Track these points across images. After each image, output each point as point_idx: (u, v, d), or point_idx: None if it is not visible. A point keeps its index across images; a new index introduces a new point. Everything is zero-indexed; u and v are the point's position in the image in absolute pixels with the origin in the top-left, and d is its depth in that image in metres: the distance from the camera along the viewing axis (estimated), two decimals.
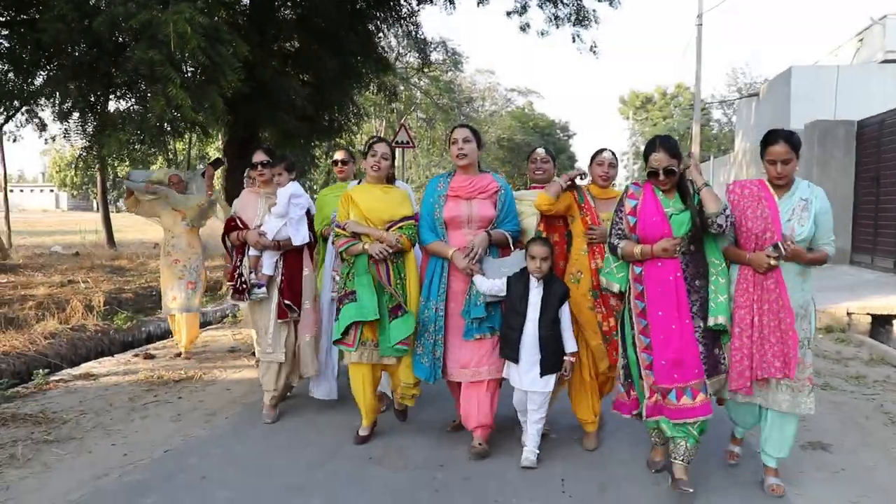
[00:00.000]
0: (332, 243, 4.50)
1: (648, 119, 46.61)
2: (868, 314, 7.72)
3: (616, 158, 4.43)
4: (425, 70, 12.64)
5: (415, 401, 4.49)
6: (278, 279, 4.76)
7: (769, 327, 3.52)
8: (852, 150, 11.85)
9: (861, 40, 20.40)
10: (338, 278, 4.57)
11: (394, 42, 12.78)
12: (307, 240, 4.77)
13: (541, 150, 4.65)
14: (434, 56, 12.84)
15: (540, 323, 3.95)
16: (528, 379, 3.98)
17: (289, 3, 10.15)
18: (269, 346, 4.76)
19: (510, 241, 4.21)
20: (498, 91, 39.57)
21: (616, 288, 3.93)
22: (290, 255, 4.80)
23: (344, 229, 4.25)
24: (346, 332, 4.21)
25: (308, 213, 4.83)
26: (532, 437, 4.07)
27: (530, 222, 4.37)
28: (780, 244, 3.42)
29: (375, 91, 12.45)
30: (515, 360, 3.99)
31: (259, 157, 4.93)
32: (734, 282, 3.67)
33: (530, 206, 4.37)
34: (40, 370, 5.62)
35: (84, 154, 8.42)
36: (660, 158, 3.63)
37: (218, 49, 6.91)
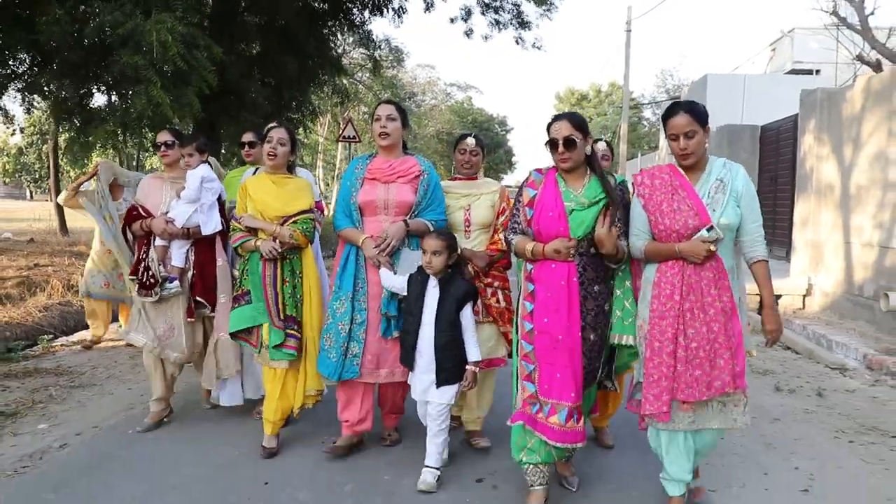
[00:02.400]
0: (229, 236, 4.21)
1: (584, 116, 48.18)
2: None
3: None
4: (376, 73, 13.40)
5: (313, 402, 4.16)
6: (190, 272, 4.40)
7: (712, 335, 3.03)
8: (756, 151, 13.29)
9: (774, 50, 22.22)
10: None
11: (340, 39, 13.60)
12: (219, 227, 4.39)
13: (471, 140, 4.21)
14: (377, 53, 13.70)
15: (436, 327, 3.57)
16: (423, 388, 3.65)
17: (253, 9, 10.94)
18: (187, 346, 4.39)
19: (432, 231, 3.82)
20: (438, 85, 40.56)
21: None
22: (201, 246, 4.41)
23: (239, 223, 4.02)
24: (248, 331, 4.02)
25: (220, 198, 4.45)
26: (432, 456, 3.65)
27: (457, 217, 4.07)
28: (714, 226, 2.99)
29: (330, 93, 13.35)
30: (411, 367, 3.69)
31: (163, 136, 4.58)
32: (652, 284, 3.16)
33: (457, 199, 4.11)
34: (44, 336, 6.42)
35: (71, 143, 9.16)
36: (560, 127, 3.27)
37: (194, 53, 7.73)
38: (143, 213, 4.40)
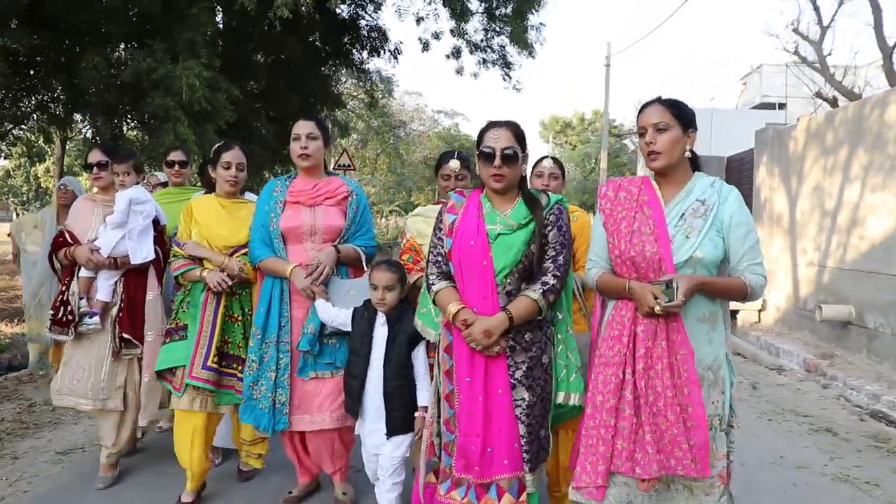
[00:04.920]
0: (170, 263, 3.80)
1: (567, 143, 49.56)
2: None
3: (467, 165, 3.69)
4: (373, 108, 14.49)
5: (263, 462, 3.99)
6: (116, 307, 3.88)
7: (662, 400, 2.40)
8: (699, 163, 14.38)
9: (745, 84, 23.55)
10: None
11: (340, 76, 14.67)
12: (151, 256, 3.87)
13: (454, 163, 3.63)
14: (369, 85, 14.77)
15: (385, 370, 3.16)
16: (373, 440, 3.25)
17: (260, 49, 11.99)
18: (100, 392, 3.86)
19: (363, 258, 3.52)
20: (425, 112, 41.82)
21: (433, 336, 3.04)
22: (132, 277, 3.91)
23: (182, 249, 3.65)
24: (173, 371, 3.60)
25: (156, 223, 3.97)
26: None
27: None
28: (675, 280, 2.34)
29: (330, 126, 14.44)
30: (355, 415, 3.30)
31: (95, 156, 4.02)
32: (604, 324, 2.62)
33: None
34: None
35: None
36: (499, 136, 2.76)
37: (216, 95, 8.76)
38: (71, 240, 3.91)
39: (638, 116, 2.61)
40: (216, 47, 9.96)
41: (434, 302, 2.90)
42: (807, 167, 9.09)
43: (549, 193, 2.93)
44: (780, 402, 6.06)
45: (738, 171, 13.79)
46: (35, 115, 10.32)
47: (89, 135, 9.74)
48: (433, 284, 2.87)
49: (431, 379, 3.12)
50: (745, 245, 2.47)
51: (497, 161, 2.75)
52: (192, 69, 8.16)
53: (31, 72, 9.25)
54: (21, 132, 11.07)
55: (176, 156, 4.74)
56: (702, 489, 2.49)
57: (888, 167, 7.13)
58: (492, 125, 2.83)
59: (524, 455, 2.71)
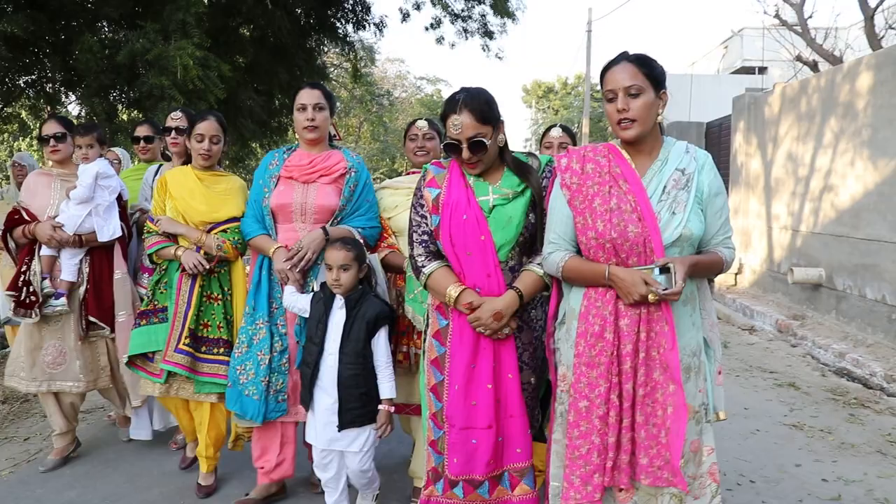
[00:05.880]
0: (143, 241, 3.62)
1: (550, 108, 49.68)
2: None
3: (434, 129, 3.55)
4: (357, 80, 14.65)
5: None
6: (82, 287, 3.74)
7: (651, 401, 2.22)
8: (702, 146, 14.75)
9: (726, 48, 23.78)
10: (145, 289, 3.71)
11: (324, 48, 14.78)
12: (118, 233, 3.74)
13: (422, 123, 3.53)
14: (352, 54, 14.90)
15: (341, 356, 2.94)
16: (325, 434, 3.00)
17: (246, 24, 12.12)
18: (89, 373, 3.80)
19: (361, 241, 3.17)
20: (408, 79, 41.79)
21: (423, 323, 2.83)
22: (98, 256, 3.76)
23: (156, 225, 3.47)
24: (147, 357, 3.46)
25: (120, 198, 3.81)
26: None
27: (405, 219, 3.01)
28: (672, 266, 2.12)
29: None
30: (307, 406, 3.06)
31: (51, 127, 3.78)
32: (577, 317, 2.34)
33: (407, 196, 3.29)
34: None
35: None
36: (461, 124, 2.46)
37: (207, 73, 8.96)
38: (28, 217, 3.71)
39: (603, 78, 2.30)
40: (203, 23, 10.13)
41: (426, 286, 2.65)
42: (781, 134, 9.44)
43: (538, 154, 2.72)
44: (748, 360, 6.52)
45: (718, 137, 14.14)
46: (28, 93, 10.51)
47: (83, 113, 9.92)
48: (423, 267, 2.62)
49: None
50: (722, 217, 2.32)
51: (465, 153, 2.50)
52: (186, 48, 8.35)
53: (26, 52, 9.41)
54: (13, 110, 11.25)
55: (142, 131, 4.44)
56: (692, 492, 2.30)
57: (858, 135, 7.48)
58: (451, 110, 2.50)
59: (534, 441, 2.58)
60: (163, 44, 8.51)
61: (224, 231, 3.41)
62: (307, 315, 3.10)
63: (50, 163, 3.94)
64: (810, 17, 15.61)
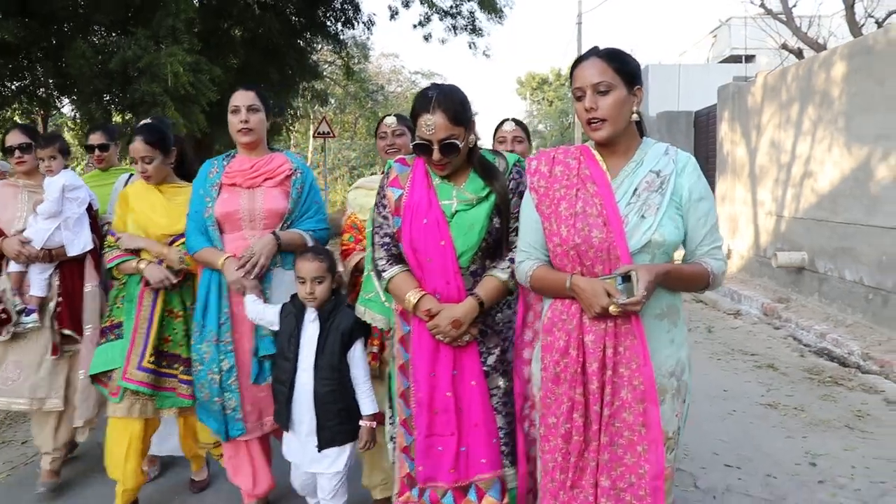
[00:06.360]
0: (103, 255, 3.47)
1: (545, 99, 49.79)
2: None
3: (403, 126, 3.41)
4: (349, 77, 14.84)
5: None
6: (53, 302, 3.60)
7: (619, 422, 2.08)
8: (691, 135, 14.94)
9: (715, 37, 23.94)
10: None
11: (316, 47, 14.96)
12: (90, 246, 3.63)
13: (391, 119, 3.43)
14: (345, 52, 15.06)
15: (316, 372, 2.80)
16: (305, 454, 2.89)
17: (237, 25, 12.31)
18: (40, 390, 3.58)
19: (310, 244, 3.13)
20: (402, 74, 41.88)
21: (382, 324, 2.79)
22: (68, 269, 3.63)
23: (118, 240, 3.36)
24: (108, 374, 3.32)
25: (90, 209, 3.69)
26: None
27: None
28: (634, 273, 1.96)
29: (309, 97, 14.81)
30: (286, 427, 2.92)
31: (14, 138, 3.67)
32: (542, 328, 2.25)
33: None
34: None
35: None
36: (434, 124, 2.34)
37: (199, 77, 9.14)
38: None
39: (571, 75, 2.16)
40: (193, 27, 10.31)
41: (387, 290, 2.58)
42: (764, 122, 9.62)
43: (505, 154, 2.61)
44: (731, 344, 6.74)
45: (706, 126, 14.32)
46: (21, 98, 10.71)
47: (77, 117, 10.15)
48: (384, 271, 2.54)
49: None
50: (707, 225, 2.13)
51: (436, 155, 2.39)
52: (176, 55, 8.56)
53: (18, 57, 9.60)
54: (5, 115, 11.43)
55: (94, 139, 4.18)
56: None
57: (834, 122, 7.66)
58: (423, 108, 2.38)
59: (503, 449, 2.47)
60: (154, 50, 8.72)
61: (184, 243, 3.26)
62: (276, 328, 2.95)
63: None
64: (794, 5, 15.71)
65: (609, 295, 1.98)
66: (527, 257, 2.29)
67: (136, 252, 3.31)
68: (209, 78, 9.30)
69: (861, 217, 7.02)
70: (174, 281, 3.22)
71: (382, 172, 3.27)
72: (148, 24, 8.78)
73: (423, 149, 2.40)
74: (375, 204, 2.64)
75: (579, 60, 2.14)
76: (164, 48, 8.67)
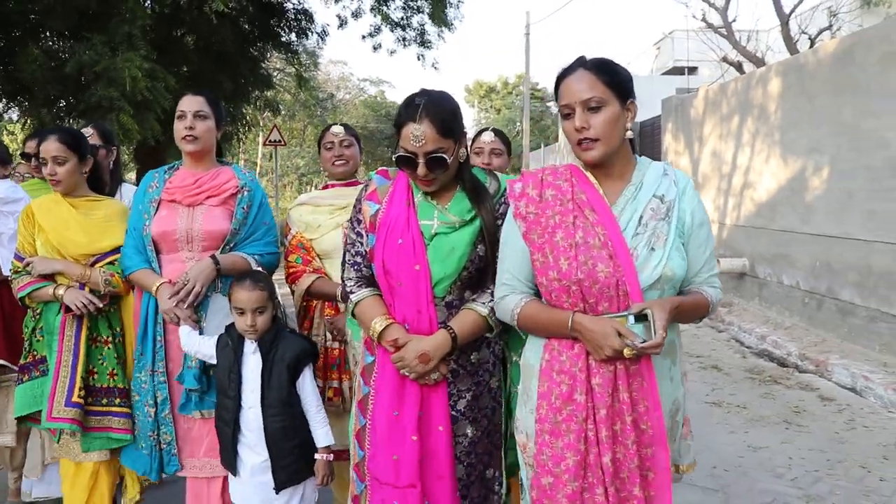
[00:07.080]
0: (11, 282, 2.99)
1: (492, 107, 50.28)
2: None
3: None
4: (302, 87, 14.85)
5: None
6: None
7: (626, 470, 1.84)
8: (636, 145, 15.39)
9: (659, 49, 24.68)
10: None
11: (268, 56, 14.98)
12: None
13: (338, 129, 3.18)
14: (297, 64, 15.10)
15: (264, 408, 2.56)
16: (257, 497, 2.61)
17: (190, 33, 12.28)
18: None
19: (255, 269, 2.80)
20: (351, 81, 41.93)
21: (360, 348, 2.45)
22: (6, 289, 3.18)
23: (27, 266, 2.88)
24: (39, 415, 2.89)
25: None
26: None
27: (331, 241, 3.00)
28: (650, 313, 1.74)
29: (262, 107, 14.82)
30: (233, 471, 2.64)
31: None
32: (537, 374, 1.95)
33: (330, 213, 3.07)
34: None
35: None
36: (424, 135, 2.08)
37: (155, 84, 9.14)
38: None
39: (557, 89, 1.94)
40: (147, 35, 10.29)
41: (353, 315, 2.32)
42: (706, 133, 10.06)
43: (499, 175, 2.35)
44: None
45: (651, 136, 14.79)
46: None
47: (29, 124, 10.01)
48: (351, 293, 2.28)
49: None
50: (707, 252, 1.95)
51: (421, 169, 2.11)
52: (133, 61, 8.55)
53: None
54: None
55: (31, 147, 3.60)
56: None
57: (770, 135, 8.11)
58: (409, 117, 2.11)
59: (463, 501, 2.21)
60: (110, 56, 8.69)
61: (111, 263, 2.89)
62: (213, 361, 2.67)
63: None
64: (734, 20, 16.39)
65: (621, 335, 1.76)
66: (510, 291, 2.02)
67: (50, 277, 2.89)
68: (164, 86, 9.29)
69: (797, 225, 7.44)
70: (100, 305, 2.82)
71: (325, 186, 3.17)
72: (103, 30, 8.75)
73: (407, 162, 2.12)
74: (350, 219, 2.40)
75: (565, 73, 1.92)
76: (120, 54, 8.65)
